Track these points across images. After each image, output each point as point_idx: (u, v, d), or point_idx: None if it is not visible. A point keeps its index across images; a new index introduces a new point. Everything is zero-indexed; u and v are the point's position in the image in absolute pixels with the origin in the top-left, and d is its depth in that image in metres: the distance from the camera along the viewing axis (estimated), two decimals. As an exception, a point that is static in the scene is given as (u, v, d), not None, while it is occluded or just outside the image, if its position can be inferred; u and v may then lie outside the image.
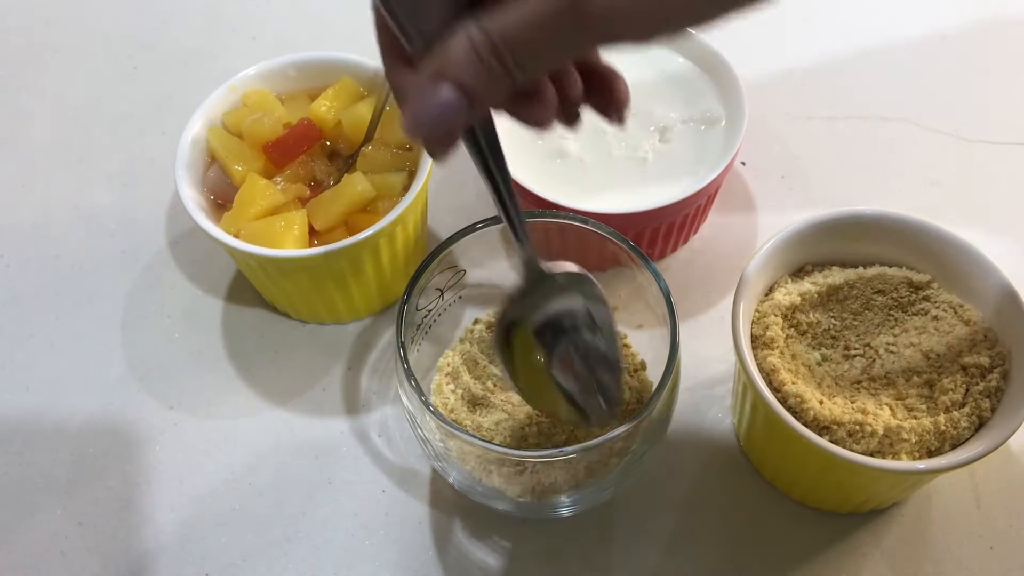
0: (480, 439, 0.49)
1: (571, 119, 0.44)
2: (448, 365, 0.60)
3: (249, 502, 0.60)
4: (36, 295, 0.70)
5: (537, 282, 0.48)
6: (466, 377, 0.59)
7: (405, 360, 0.52)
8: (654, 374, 0.59)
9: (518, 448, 0.55)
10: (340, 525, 0.59)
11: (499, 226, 0.57)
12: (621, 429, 0.49)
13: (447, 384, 0.59)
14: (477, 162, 0.43)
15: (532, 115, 0.42)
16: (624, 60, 0.70)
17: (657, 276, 0.54)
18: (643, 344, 0.61)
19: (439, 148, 0.39)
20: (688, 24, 0.35)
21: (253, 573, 0.57)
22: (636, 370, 0.60)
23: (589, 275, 0.49)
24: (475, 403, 0.59)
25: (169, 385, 0.65)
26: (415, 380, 0.51)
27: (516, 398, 0.58)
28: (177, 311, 0.69)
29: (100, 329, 0.68)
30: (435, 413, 0.50)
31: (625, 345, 0.61)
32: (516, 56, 0.36)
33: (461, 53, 0.36)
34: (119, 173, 0.77)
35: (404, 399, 0.53)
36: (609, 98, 0.44)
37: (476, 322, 0.62)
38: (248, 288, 0.69)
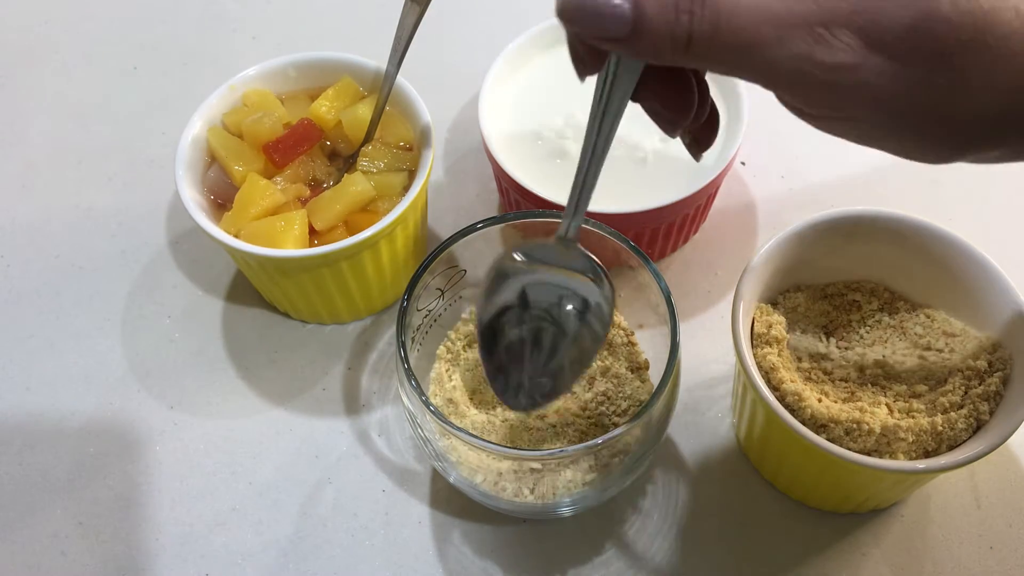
0: (480, 439, 0.49)
1: (707, 137, 0.44)
2: (447, 364, 0.60)
3: (249, 502, 0.60)
4: (36, 295, 0.70)
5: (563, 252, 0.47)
6: (465, 376, 0.59)
7: (405, 360, 0.52)
8: (654, 374, 0.59)
9: (518, 448, 0.56)
10: (340, 525, 0.59)
11: (499, 226, 0.57)
12: (621, 429, 0.49)
13: (446, 383, 0.59)
14: (594, 106, 0.41)
15: (679, 100, 0.40)
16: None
17: (657, 276, 0.54)
18: (644, 344, 0.61)
19: (579, 61, 0.39)
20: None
21: (253, 573, 0.57)
22: (639, 369, 0.60)
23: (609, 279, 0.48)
24: (473, 402, 0.59)
25: (169, 385, 0.65)
26: (415, 380, 0.51)
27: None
28: (177, 311, 0.69)
29: (100, 329, 0.68)
30: (435, 413, 0.50)
31: (632, 343, 0.61)
32: (712, 19, 0.34)
33: None
34: (119, 173, 0.77)
35: (404, 399, 0.53)
36: (708, 133, 0.45)
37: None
38: (248, 288, 0.69)
